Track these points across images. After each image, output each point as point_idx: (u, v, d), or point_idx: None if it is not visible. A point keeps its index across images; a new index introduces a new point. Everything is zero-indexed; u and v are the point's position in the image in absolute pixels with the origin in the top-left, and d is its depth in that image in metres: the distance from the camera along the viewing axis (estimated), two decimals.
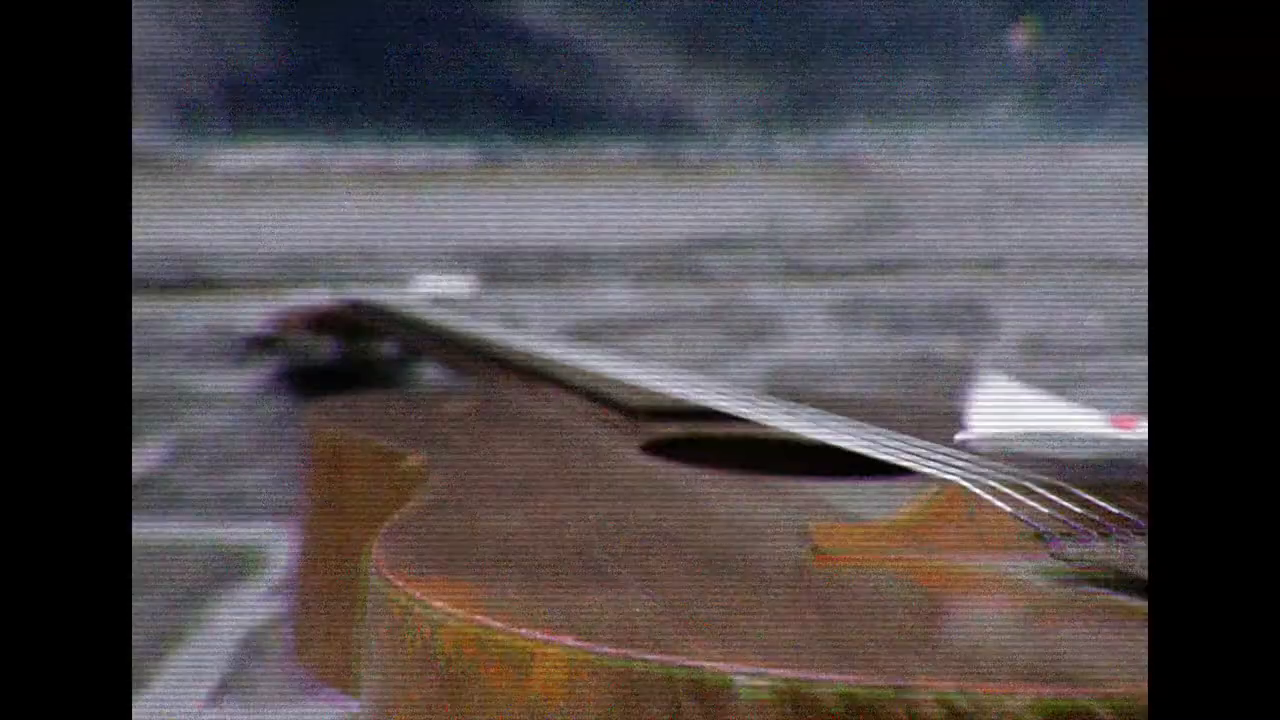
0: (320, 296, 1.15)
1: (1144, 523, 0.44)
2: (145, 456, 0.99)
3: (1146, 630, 0.37)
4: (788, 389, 0.75)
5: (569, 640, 0.35)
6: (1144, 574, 0.40)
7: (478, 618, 0.37)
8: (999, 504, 0.45)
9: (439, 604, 0.38)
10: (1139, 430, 0.49)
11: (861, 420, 0.58)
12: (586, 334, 1.23)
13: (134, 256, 0.46)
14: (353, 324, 1.08)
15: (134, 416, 1.01)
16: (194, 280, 1.37)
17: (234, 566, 0.80)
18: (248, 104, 1.54)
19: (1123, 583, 0.40)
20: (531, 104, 1.54)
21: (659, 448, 0.60)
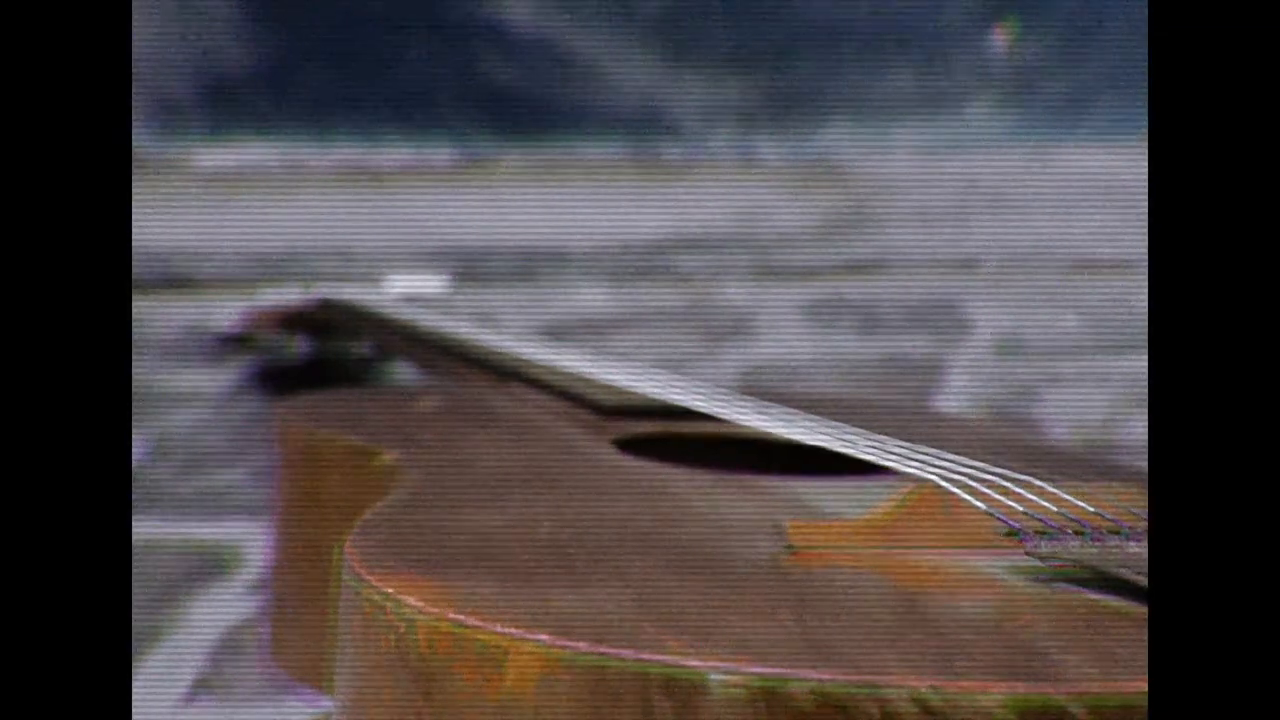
0: (292, 295, 1.15)
1: (1121, 521, 0.44)
2: None
3: (1121, 627, 0.37)
4: (761, 388, 0.75)
5: (543, 637, 0.35)
6: (1119, 572, 0.40)
7: (451, 614, 0.36)
8: (973, 501, 0.45)
9: (412, 600, 0.37)
10: None
11: (835, 419, 0.58)
12: (560, 333, 1.22)
13: None
14: (325, 323, 1.08)
15: None
16: (171, 279, 1.37)
17: (210, 565, 0.79)
18: (227, 103, 1.53)
19: (1098, 580, 0.40)
20: (511, 103, 1.53)
21: (632, 445, 0.60)
